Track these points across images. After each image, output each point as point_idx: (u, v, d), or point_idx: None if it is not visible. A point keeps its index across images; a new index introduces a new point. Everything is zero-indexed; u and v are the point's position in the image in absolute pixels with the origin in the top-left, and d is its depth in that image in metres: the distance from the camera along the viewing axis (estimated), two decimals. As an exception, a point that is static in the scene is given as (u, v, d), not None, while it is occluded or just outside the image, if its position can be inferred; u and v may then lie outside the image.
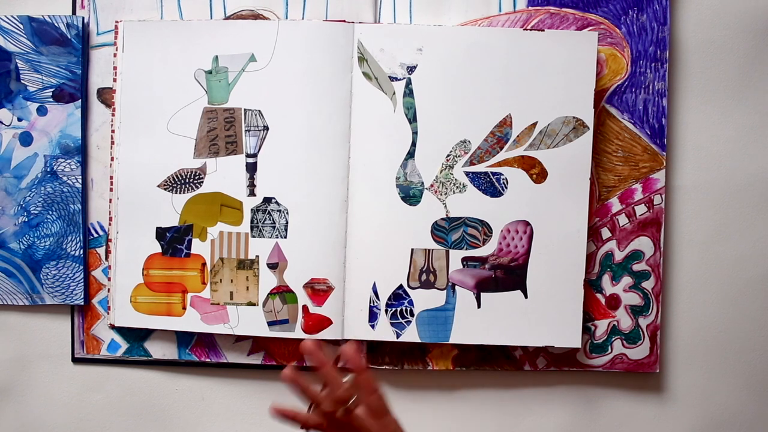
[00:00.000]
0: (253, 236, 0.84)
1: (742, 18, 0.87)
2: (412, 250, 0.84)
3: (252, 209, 0.84)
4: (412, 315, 0.84)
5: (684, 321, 0.88)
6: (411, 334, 0.84)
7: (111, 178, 0.85)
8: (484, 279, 0.84)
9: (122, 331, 0.87)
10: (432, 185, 0.84)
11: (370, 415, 0.71)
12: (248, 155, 0.84)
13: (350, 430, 0.73)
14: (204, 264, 0.85)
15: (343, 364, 0.70)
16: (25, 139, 0.86)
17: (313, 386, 0.71)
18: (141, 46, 0.84)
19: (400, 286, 0.84)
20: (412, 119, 0.83)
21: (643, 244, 0.86)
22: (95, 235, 0.87)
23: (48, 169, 0.86)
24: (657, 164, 0.86)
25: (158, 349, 0.87)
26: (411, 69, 0.83)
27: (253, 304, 0.84)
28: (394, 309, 0.84)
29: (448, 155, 0.84)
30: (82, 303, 0.87)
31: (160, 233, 0.85)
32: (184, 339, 0.87)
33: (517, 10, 0.86)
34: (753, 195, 0.88)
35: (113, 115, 0.85)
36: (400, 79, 0.83)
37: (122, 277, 0.85)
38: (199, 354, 0.87)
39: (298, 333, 0.84)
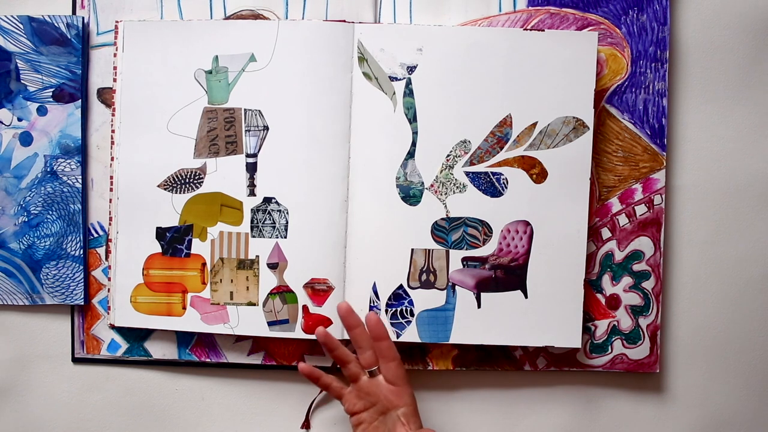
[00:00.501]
0: (253, 236, 0.84)
1: (742, 18, 0.87)
2: (412, 250, 0.84)
3: (252, 209, 0.84)
4: (412, 315, 0.84)
5: (684, 321, 0.88)
6: (411, 334, 0.84)
7: (111, 178, 0.85)
8: (484, 279, 0.84)
9: (122, 331, 0.87)
10: (432, 185, 0.84)
11: (389, 382, 0.77)
12: (248, 155, 0.84)
13: (368, 397, 0.78)
14: (204, 264, 0.85)
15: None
16: (25, 139, 0.86)
17: (344, 348, 0.78)
18: (141, 46, 0.84)
19: (400, 286, 0.84)
20: (412, 119, 0.83)
21: (643, 244, 0.86)
22: (95, 235, 0.87)
23: (48, 169, 0.86)
24: (657, 164, 0.86)
25: (158, 349, 0.87)
26: (411, 69, 0.83)
27: (253, 304, 0.84)
28: (394, 309, 0.84)
29: (448, 155, 0.84)
30: (82, 303, 0.87)
31: (160, 233, 0.85)
32: (184, 339, 0.87)
33: (517, 10, 0.86)
34: (753, 195, 0.88)
35: (113, 115, 0.85)
36: (400, 79, 0.83)
37: (122, 277, 0.85)
38: (199, 354, 0.87)
39: (298, 333, 0.84)
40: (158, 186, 0.85)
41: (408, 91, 0.83)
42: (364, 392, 0.79)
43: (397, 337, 0.84)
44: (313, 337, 0.84)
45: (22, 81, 0.86)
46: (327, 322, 0.84)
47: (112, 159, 0.85)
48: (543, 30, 0.84)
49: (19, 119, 0.86)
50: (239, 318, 0.84)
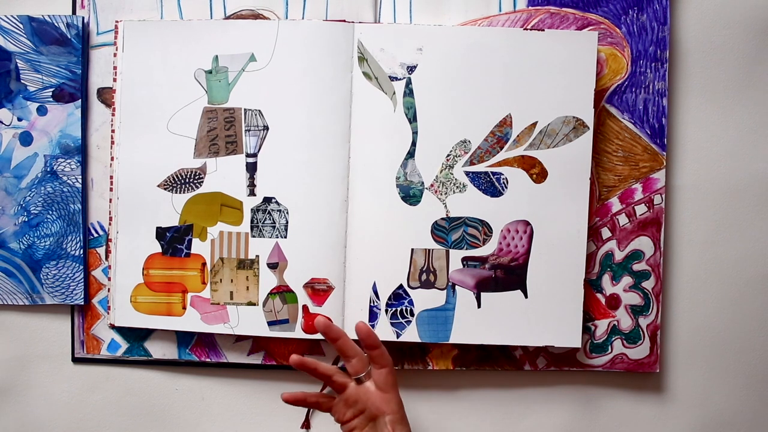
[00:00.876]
0: (253, 236, 0.84)
1: (742, 18, 0.87)
2: (412, 250, 0.84)
3: (252, 209, 0.84)
4: (412, 315, 0.84)
5: (684, 321, 0.88)
6: (411, 334, 0.84)
7: (111, 178, 0.85)
8: (484, 279, 0.84)
9: (122, 331, 0.87)
10: (432, 185, 0.84)
11: (377, 388, 0.77)
12: (248, 155, 0.84)
13: (356, 404, 0.77)
14: (204, 264, 0.85)
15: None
16: (25, 139, 0.86)
17: (323, 364, 0.78)
18: (141, 46, 0.84)
19: (400, 286, 0.84)
20: (412, 119, 0.83)
21: (643, 244, 0.86)
22: (95, 235, 0.87)
23: (48, 169, 0.86)
24: (657, 164, 0.86)
25: (158, 349, 0.87)
26: (411, 69, 0.83)
27: (253, 304, 0.84)
28: (394, 309, 0.84)
29: (448, 155, 0.84)
30: (82, 303, 0.87)
31: (160, 233, 0.85)
32: (184, 339, 0.87)
33: (517, 10, 0.86)
34: (753, 195, 0.88)
35: (113, 115, 0.85)
36: (400, 79, 0.83)
37: (122, 277, 0.85)
38: (199, 354, 0.87)
39: (298, 333, 0.84)
40: (158, 186, 0.85)
41: (408, 90, 0.83)
42: (353, 400, 0.78)
43: (397, 337, 0.84)
44: (313, 336, 0.84)
45: (22, 81, 0.86)
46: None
47: (112, 159, 0.85)
48: (543, 30, 0.84)
49: (19, 119, 0.86)
50: (239, 318, 0.84)
